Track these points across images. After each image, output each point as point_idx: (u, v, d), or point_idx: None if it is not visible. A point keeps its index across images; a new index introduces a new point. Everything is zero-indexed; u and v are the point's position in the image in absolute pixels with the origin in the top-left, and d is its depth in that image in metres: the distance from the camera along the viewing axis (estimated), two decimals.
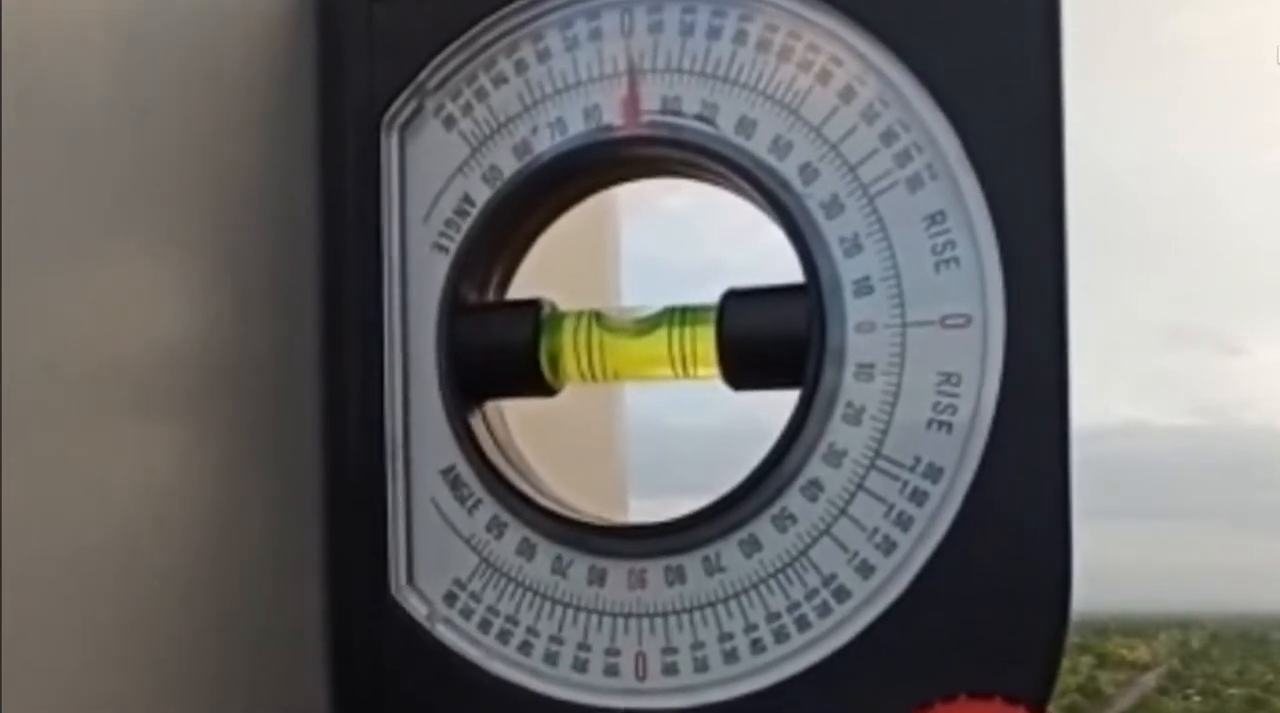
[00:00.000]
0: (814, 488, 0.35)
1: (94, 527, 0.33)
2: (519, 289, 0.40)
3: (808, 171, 0.36)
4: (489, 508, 0.39)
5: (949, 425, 0.34)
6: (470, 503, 0.39)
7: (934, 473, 0.34)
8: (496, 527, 0.38)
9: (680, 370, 0.38)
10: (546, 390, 0.39)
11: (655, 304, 0.38)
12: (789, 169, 0.36)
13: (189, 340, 0.36)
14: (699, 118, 0.37)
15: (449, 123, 0.39)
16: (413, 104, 0.39)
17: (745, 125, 0.36)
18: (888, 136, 0.35)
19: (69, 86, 0.33)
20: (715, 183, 0.38)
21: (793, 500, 0.35)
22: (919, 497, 0.34)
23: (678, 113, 0.37)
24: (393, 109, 0.39)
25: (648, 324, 0.38)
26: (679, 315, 0.38)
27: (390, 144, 0.39)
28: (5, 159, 0.31)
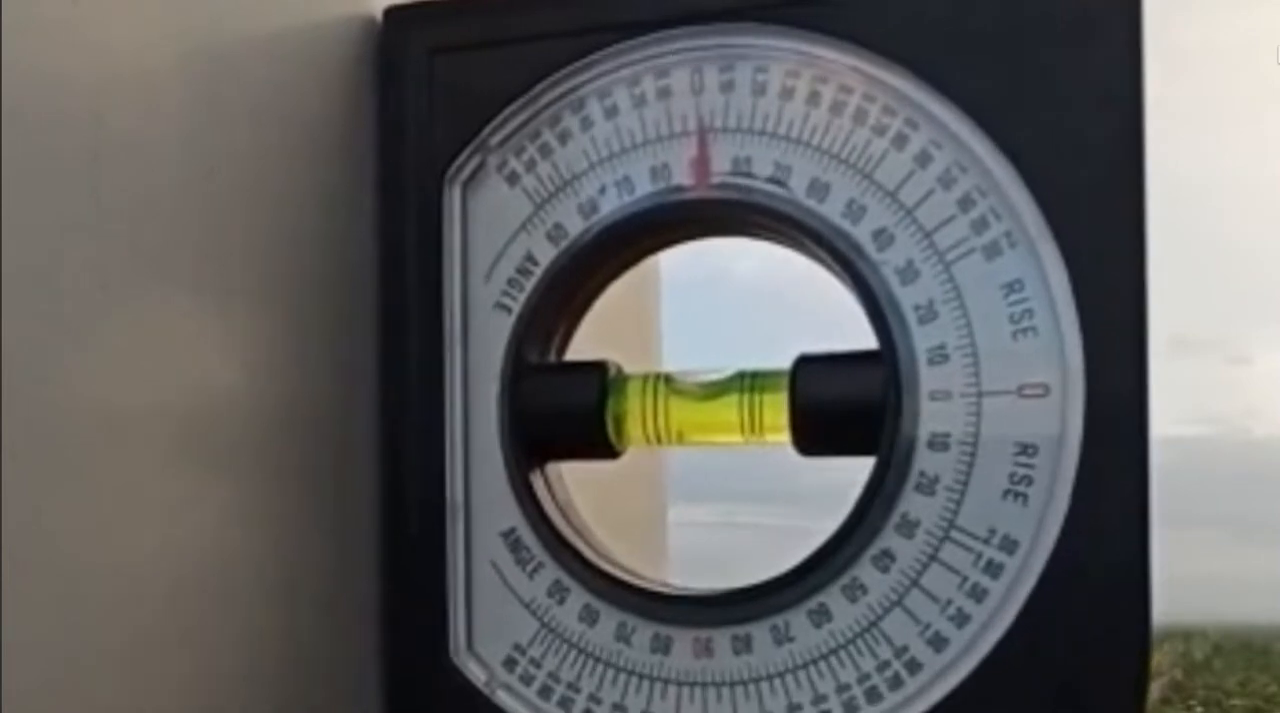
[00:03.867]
0: (886, 558, 0.35)
1: (145, 583, 0.32)
2: None
3: (882, 237, 0.35)
4: (550, 572, 0.38)
5: (1025, 497, 0.33)
6: (531, 567, 0.38)
7: (1009, 545, 0.34)
8: (558, 592, 0.38)
9: (749, 435, 0.37)
10: (610, 453, 0.38)
11: (726, 367, 0.38)
12: (863, 234, 0.35)
13: (248, 394, 0.35)
14: (771, 180, 0.36)
15: (512, 179, 0.39)
16: (475, 159, 0.39)
17: (818, 188, 0.36)
18: (965, 202, 0.34)
19: (141, 146, 0.32)
20: (786, 245, 0.37)
21: (864, 571, 0.35)
22: (994, 569, 0.34)
23: (749, 174, 0.36)
24: (455, 164, 0.39)
25: (716, 389, 0.37)
26: (749, 380, 0.37)
27: (452, 200, 0.39)
28: (79, 215, 0.31)
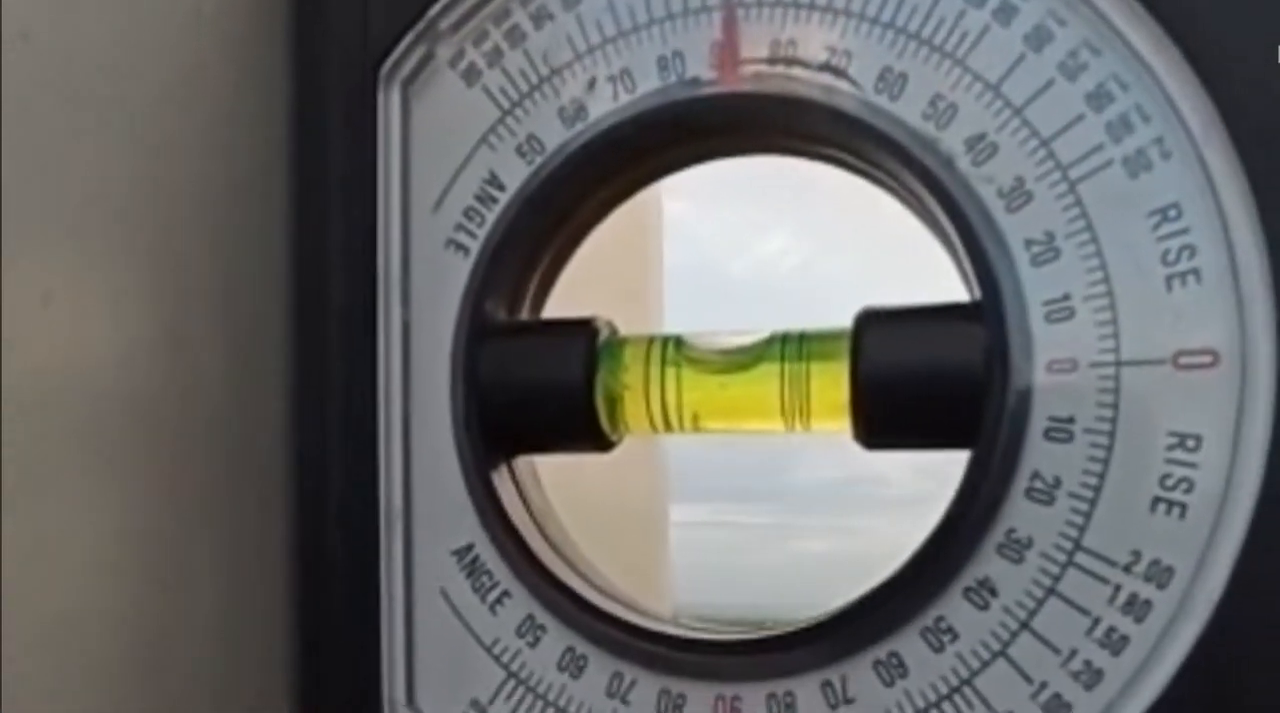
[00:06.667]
0: (984, 591, 0.27)
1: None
2: None
3: (980, 146, 0.28)
4: (520, 604, 0.31)
5: (1183, 508, 0.26)
6: (494, 596, 0.31)
7: (1161, 575, 0.26)
8: (531, 631, 0.31)
9: (791, 421, 0.29)
10: (600, 444, 0.31)
11: (757, 329, 0.30)
12: (953, 141, 0.28)
13: (97, 368, 0.28)
14: (825, 68, 0.29)
15: (470, 76, 0.32)
16: (421, 50, 0.32)
17: (890, 80, 0.28)
18: (1098, 97, 0.27)
19: None
20: (841, 163, 0.30)
21: (953, 608, 0.28)
22: (1138, 608, 0.26)
23: (793, 61, 0.29)
24: (393, 57, 0.32)
25: (747, 356, 0.29)
26: (793, 345, 0.29)
27: (389, 104, 0.32)
28: None
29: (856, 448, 0.29)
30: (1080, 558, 0.27)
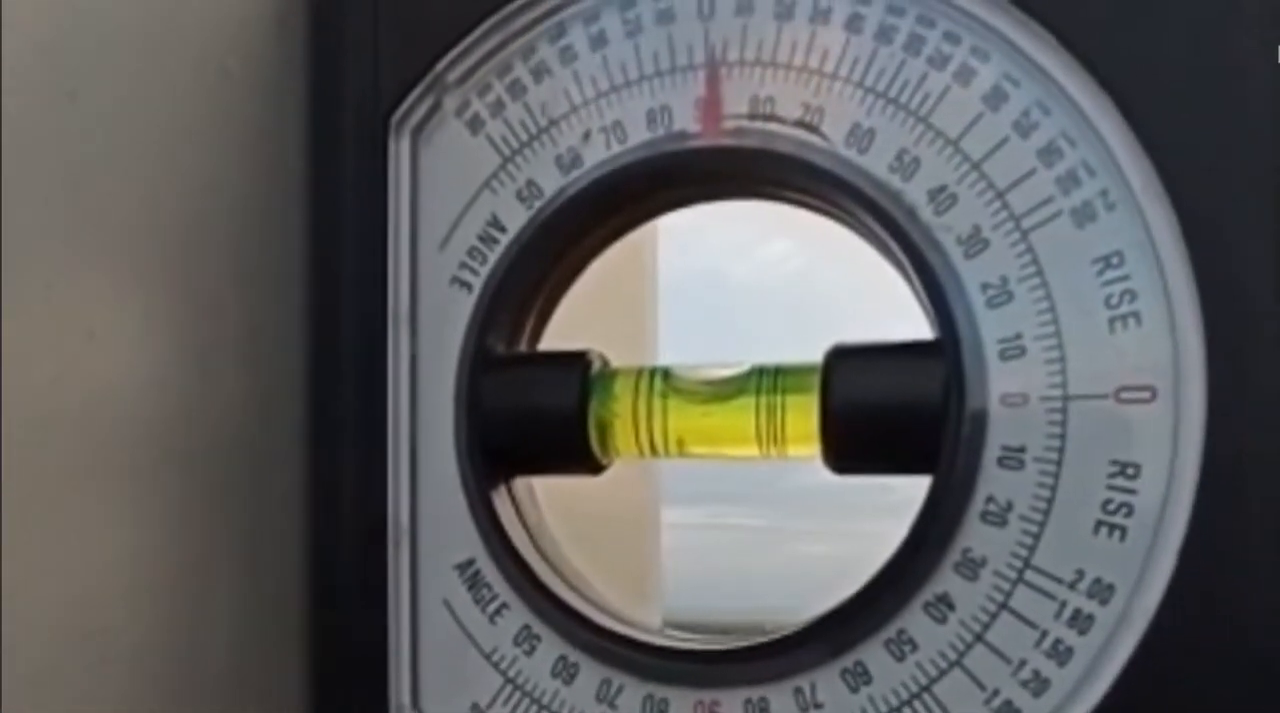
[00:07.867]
0: (942, 606, 0.29)
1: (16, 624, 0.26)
2: None
3: (941, 197, 0.29)
4: (517, 615, 0.32)
5: (1123, 531, 0.27)
6: (493, 608, 0.33)
7: (1102, 592, 0.27)
8: (527, 640, 0.32)
9: (767, 448, 0.31)
10: (592, 467, 0.32)
11: (739, 362, 0.31)
12: (916, 193, 0.29)
13: (136, 396, 0.30)
14: (799, 124, 0.30)
15: (475, 125, 0.33)
16: (429, 101, 0.33)
17: (859, 135, 0.30)
18: (1049, 153, 0.28)
19: None
20: (815, 209, 0.31)
21: (914, 621, 0.29)
22: (1082, 622, 0.28)
23: (771, 117, 0.30)
24: (403, 107, 0.33)
25: (728, 388, 0.31)
26: (770, 378, 0.31)
27: (400, 151, 0.33)
28: None
29: None
30: (1030, 576, 0.28)
